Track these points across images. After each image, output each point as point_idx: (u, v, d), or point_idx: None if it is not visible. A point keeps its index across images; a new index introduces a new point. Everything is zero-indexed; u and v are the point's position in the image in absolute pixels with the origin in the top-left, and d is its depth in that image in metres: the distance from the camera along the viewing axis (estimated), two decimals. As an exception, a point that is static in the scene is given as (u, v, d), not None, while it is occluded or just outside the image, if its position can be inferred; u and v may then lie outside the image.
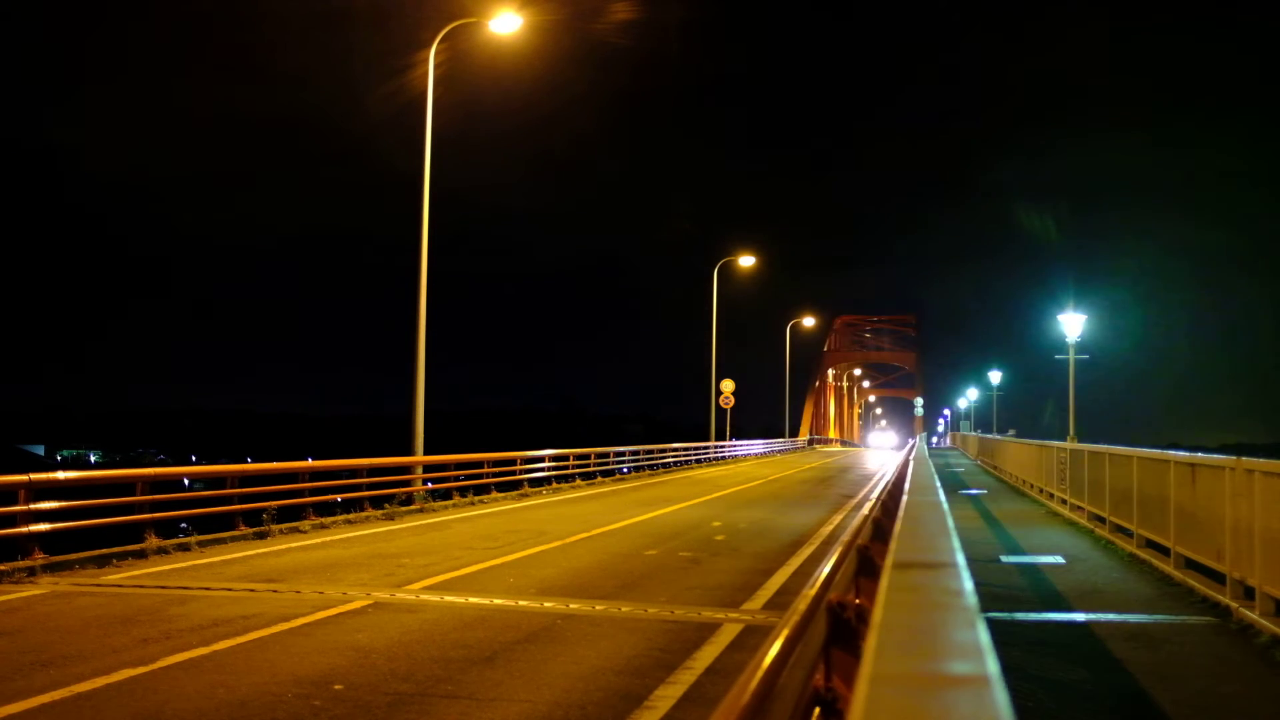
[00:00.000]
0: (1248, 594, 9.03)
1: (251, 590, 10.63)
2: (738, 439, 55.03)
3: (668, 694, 6.67)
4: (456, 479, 23.18)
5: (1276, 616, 8.35)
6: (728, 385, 49.41)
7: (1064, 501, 19.70)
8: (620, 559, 13.21)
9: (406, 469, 21.46)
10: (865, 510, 7.86)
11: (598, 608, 9.67)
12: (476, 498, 23.00)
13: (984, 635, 1.72)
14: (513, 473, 25.85)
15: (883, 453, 71.45)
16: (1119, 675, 7.32)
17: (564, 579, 11.50)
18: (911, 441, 41.63)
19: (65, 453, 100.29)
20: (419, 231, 22.74)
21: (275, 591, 10.54)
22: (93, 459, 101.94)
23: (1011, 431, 54.74)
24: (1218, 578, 9.94)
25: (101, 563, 12.63)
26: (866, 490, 27.12)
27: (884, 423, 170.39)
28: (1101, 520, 15.91)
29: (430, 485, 22.35)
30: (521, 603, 9.92)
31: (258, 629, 8.56)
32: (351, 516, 18.48)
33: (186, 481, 17.80)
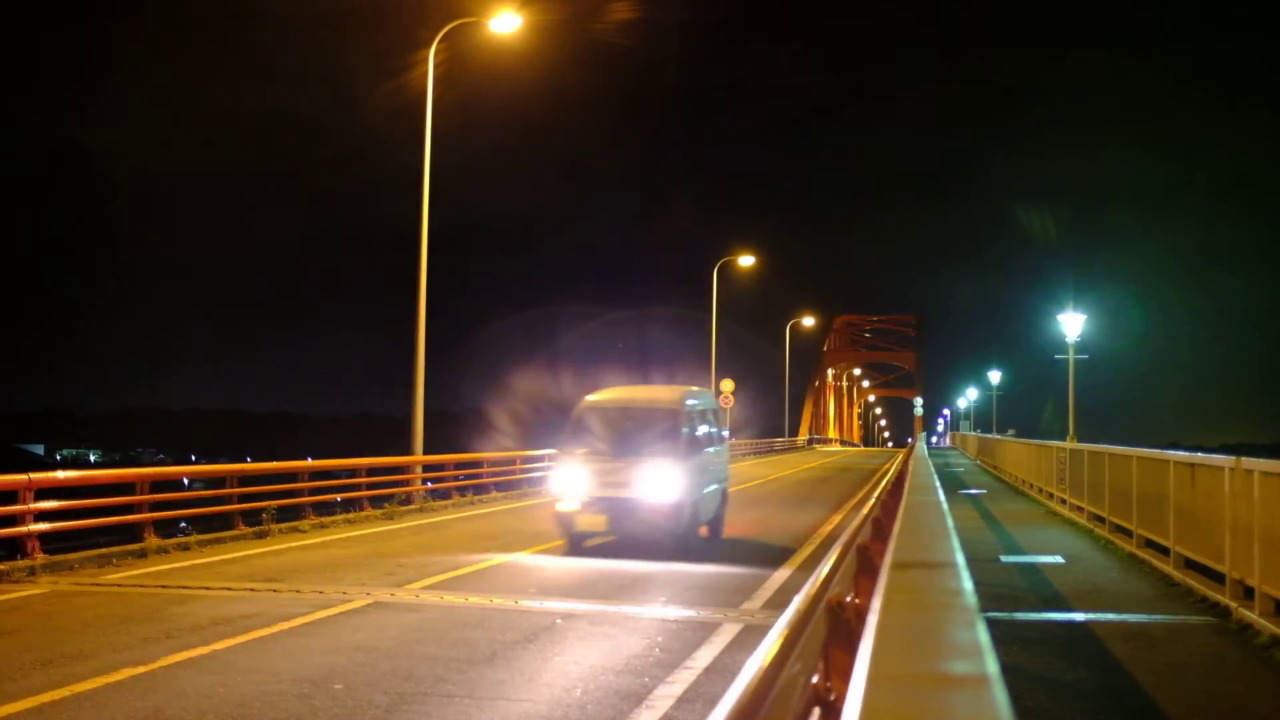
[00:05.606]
0: (1247, 594, 9.03)
1: (251, 590, 10.63)
2: (737, 439, 55.02)
3: (667, 693, 6.67)
4: (456, 479, 23.19)
5: (1276, 616, 8.35)
6: (727, 385, 49.34)
7: (1063, 501, 19.70)
8: (620, 559, 13.19)
9: (406, 469, 21.48)
10: (865, 510, 7.87)
11: (597, 607, 9.68)
12: (476, 498, 23.01)
13: (984, 635, 1.72)
14: (513, 473, 25.86)
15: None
16: (1119, 675, 7.32)
17: (563, 579, 11.50)
18: (910, 442, 41.61)
19: (65, 452, 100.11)
20: (419, 231, 22.72)
21: (275, 591, 10.55)
22: (93, 459, 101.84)
23: (1011, 431, 54.65)
24: (1217, 578, 9.93)
25: (101, 562, 12.63)
26: (865, 492, 27.10)
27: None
28: (1101, 520, 15.91)
29: (430, 485, 22.36)
30: (521, 602, 9.93)
31: (258, 628, 8.57)
32: (351, 516, 18.48)
33: (186, 481, 17.81)
